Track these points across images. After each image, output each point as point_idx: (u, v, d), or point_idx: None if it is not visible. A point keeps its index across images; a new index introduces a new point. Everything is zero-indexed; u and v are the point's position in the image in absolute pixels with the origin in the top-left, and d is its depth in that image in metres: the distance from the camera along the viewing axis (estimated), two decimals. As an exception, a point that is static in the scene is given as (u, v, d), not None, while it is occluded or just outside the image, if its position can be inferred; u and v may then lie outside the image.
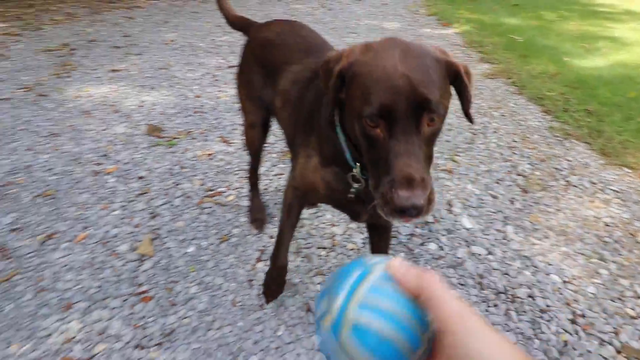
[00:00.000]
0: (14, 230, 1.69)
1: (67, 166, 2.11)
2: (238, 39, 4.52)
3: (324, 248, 1.64)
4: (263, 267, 1.54)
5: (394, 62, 0.75)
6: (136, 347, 1.25)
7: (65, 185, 1.96)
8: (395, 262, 0.41)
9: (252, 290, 1.44)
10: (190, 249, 1.62)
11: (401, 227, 1.75)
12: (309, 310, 1.38)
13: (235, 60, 3.75)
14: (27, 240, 1.64)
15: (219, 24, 5.24)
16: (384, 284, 0.39)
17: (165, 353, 1.24)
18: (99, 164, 2.14)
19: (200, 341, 1.27)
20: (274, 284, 1.36)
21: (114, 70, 3.40)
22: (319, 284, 1.49)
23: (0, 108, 2.67)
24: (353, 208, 1.07)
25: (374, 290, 0.38)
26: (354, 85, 0.79)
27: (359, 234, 1.71)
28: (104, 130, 2.47)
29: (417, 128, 0.74)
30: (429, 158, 0.78)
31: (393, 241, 1.68)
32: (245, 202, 1.87)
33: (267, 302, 1.38)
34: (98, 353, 1.23)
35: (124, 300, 1.40)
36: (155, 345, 1.26)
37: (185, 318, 1.34)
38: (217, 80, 3.31)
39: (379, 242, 1.26)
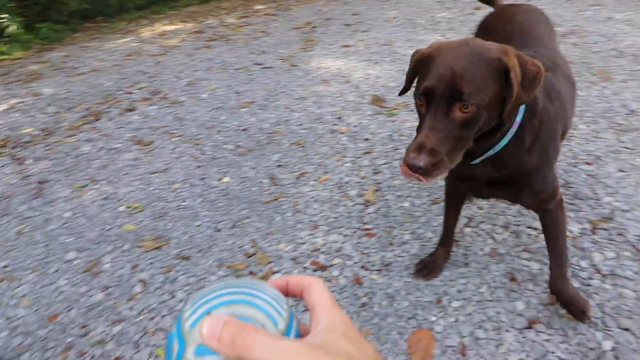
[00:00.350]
0: (279, 166, 2.29)
1: (312, 123, 2.66)
2: (457, 15, 4.50)
3: (535, 229, 1.66)
4: (470, 232, 1.69)
5: (448, 58, 0.93)
6: (362, 267, 1.61)
7: (311, 138, 2.51)
8: (204, 329, 0.32)
9: (458, 249, 1.62)
10: (406, 204, 1.90)
11: (631, 227, 1.61)
12: (512, 279, 1.48)
13: (453, 37, 3.79)
14: (287, 175, 2.21)
15: (438, 0, 5.28)
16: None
17: (383, 278, 1.55)
18: (334, 125, 2.62)
19: (412, 277, 1.54)
20: (429, 263, 1.53)
21: (345, 46, 3.92)
22: (524, 259, 1.55)
23: (267, 74, 3.49)
24: (469, 186, 1.26)
25: None
26: (419, 73, 1.02)
27: (575, 223, 1.66)
28: (338, 97, 2.96)
29: (448, 111, 0.92)
30: (459, 139, 0.93)
31: (618, 239, 1.57)
32: (457, 173, 2.03)
33: (414, 275, 1.54)
34: (335, 264, 1.64)
35: (354, 232, 1.78)
36: (376, 270, 1.59)
37: (399, 257, 1.63)
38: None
39: (546, 228, 1.30)
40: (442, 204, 1.86)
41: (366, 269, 1.60)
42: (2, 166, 2.51)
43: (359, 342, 0.34)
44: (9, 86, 3.76)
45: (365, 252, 1.68)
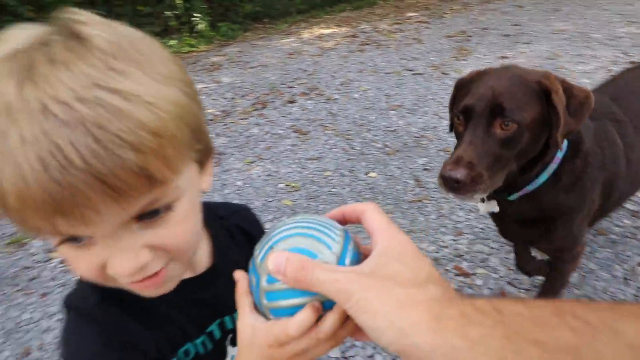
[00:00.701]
0: (425, 169, 2.34)
1: (462, 133, 2.64)
2: (647, 31, 3.92)
3: None
4: (644, 272, 1.51)
5: (488, 80, 0.94)
6: (508, 283, 1.57)
7: (459, 147, 2.49)
8: (270, 265, 0.37)
9: (627, 288, 1.47)
10: (564, 229, 1.77)
11: None
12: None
13: (637, 55, 3.33)
14: (433, 179, 2.24)
15: (621, 12, 4.66)
16: (274, 287, 0.38)
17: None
18: (486, 136, 2.55)
19: (566, 304, 1.45)
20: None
21: (503, 57, 3.75)
22: None
23: (417, 80, 3.54)
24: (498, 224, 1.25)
25: (269, 297, 0.39)
26: (457, 97, 1.03)
27: None
28: (491, 109, 2.87)
29: (489, 127, 0.91)
30: (499, 157, 0.90)
31: None
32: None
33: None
34: (478, 273, 1.63)
35: (501, 246, 1.74)
36: (525, 289, 1.54)
37: (553, 281, 1.55)
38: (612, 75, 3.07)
39: (550, 272, 1.29)
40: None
41: (513, 286, 1.56)
42: (191, 137, 3.07)
43: (412, 261, 0.35)
44: (197, 73, 4.53)
45: (513, 268, 1.62)
